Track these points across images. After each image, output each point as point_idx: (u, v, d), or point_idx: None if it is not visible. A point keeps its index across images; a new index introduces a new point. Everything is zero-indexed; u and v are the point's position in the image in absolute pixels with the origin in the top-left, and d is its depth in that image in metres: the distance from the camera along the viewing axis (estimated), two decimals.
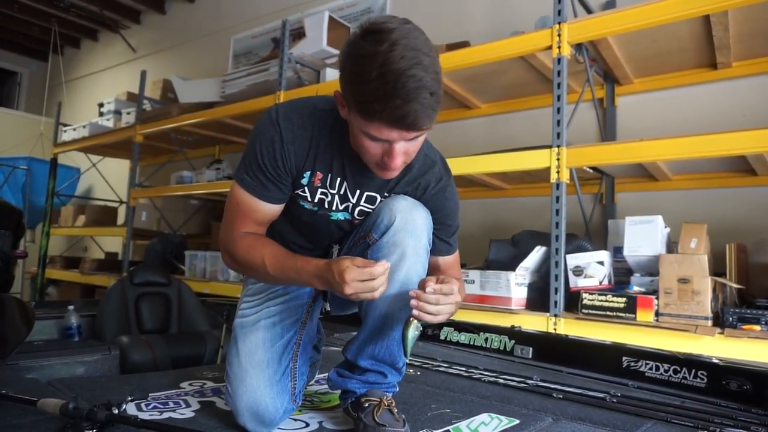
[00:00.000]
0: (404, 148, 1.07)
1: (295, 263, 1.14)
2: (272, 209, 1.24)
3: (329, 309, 1.45)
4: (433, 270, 1.32)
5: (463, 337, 2.08)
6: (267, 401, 1.20)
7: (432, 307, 1.07)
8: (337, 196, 1.24)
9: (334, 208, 1.26)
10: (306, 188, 1.23)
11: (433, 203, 1.26)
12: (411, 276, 1.18)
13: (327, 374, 1.33)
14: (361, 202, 1.25)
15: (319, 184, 1.23)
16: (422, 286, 1.08)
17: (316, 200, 1.25)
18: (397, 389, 1.28)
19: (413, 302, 1.07)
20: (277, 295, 1.34)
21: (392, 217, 1.18)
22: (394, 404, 1.20)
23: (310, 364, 1.41)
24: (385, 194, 1.26)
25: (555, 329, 2.05)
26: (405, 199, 1.21)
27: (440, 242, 1.31)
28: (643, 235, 2.04)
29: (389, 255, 1.17)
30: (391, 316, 1.19)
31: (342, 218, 1.28)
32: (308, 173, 1.21)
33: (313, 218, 1.28)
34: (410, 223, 1.18)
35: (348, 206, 1.26)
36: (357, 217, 1.27)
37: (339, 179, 1.22)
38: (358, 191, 1.24)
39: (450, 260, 1.37)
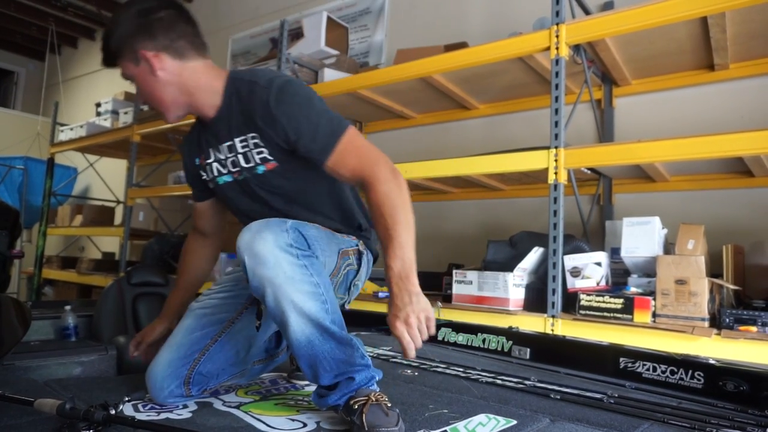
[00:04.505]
0: (136, 87, 1.36)
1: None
2: (201, 206, 1.58)
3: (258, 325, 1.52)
4: (332, 177, 1.30)
5: (461, 338, 2.08)
6: (157, 378, 1.35)
7: (411, 343, 1.07)
8: (215, 163, 1.42)
9: (216, 173, 1.43)
10: (202, 170, 1.46)
11: (284, 117, 1.25)
12: (301, 300, 1.14)
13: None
14: (226, 154, 1.39)
15: (205, 162, 1.44)
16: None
17: (210, 176, 1.45)
18: (377, 377, 1.25)
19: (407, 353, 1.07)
20: (225, 289, 1.46)
21: (242, 259, 1.16)
22: (384, 397, 1.18)
23: (256, 363, 1.56)
24: (234, 136, 1.35)
25: (552, 330, 2.05)
26: (241, 238, 1.17)
27: (315, 151, 1.26)
28: (640, 237, 2.04)
29: (264, 300, 1.16)
30: (312, 341, 1.17)
31: (230, 180, 1.41)
32: (198, 159, 1.47)
33: (222, 192, 1.46)
34: (256, 257, 1.14)
35: (223, 163, 1.40)
36: (233, 169, 1.39)
37: (208, 148, 1.42)
38: (219, 146, 1.39)
39: (336, 159, 1.25)
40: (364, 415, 1.13)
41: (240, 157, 1.37)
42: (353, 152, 1.25)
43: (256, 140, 1.33)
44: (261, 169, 1.36)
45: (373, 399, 1.16)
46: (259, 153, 1.34)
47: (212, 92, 1.36)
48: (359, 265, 1.46)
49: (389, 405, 1.17)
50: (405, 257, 1.12)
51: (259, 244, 1.13)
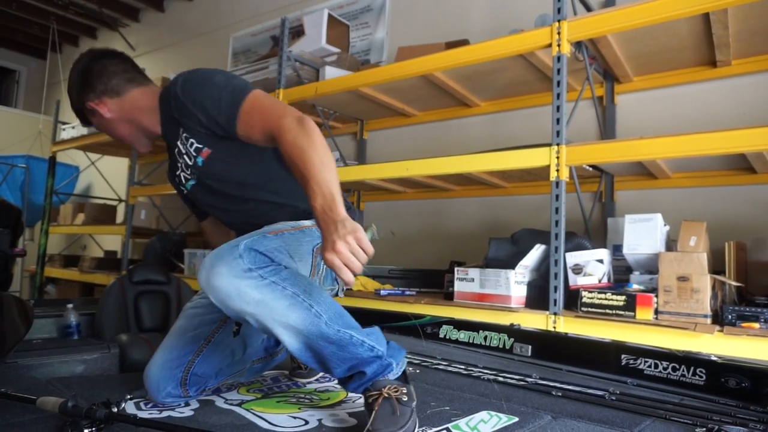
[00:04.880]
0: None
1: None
2: (205, 224, 1.71)
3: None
4: (243, 140, 1.32)
5: (463, 335, 2.08)
6: (152, 379, 1.38)
7: (343, 267, 1.03)
8: (181, 173, 1.50)
9: (185, 180, 1.50)
10: (181, 186, 1.54)
11: (190, 102, 1.33)
12: (283, 316, 1.12)
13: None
14: (180, 160, 1.46)
15: (178, 175, 1.52)
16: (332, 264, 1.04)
17: (184, 187, 1.52)
18: (395, 362, 1.21)
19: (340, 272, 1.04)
20: None
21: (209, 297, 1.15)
22: (399, 390, 1.15)
23: (253, 363, 1.57)
24: (176, 140, 1.43)
25: (554, 327, 2.05)
26: (199, 278, 1.15)
27: (224, 124, 1.30)
28: (642, 233, 2.04)
29: (250, 324, 1.16)
30: (311, 348, 1.16)
31: (194, 182, 1.49)
32: (176, 177, 1.54)
33: (195, 197, 1.53)
34: (218, 293, 1.11)
35: (183, 169, 1.48)
36: (188, 172, 1.47)
37: (175, 162, 1.50)
38: (175, 155, 1.47)
39: (243, 124, 1.29)
40: (373, 412, 1.12)
41: (186, 157, 1.43)
42: (257, 113, 1.27)
43: (185, 134, 1.40)
44: (200, 160, 1.40)
45: (386, 394, 1.14)
46: (191, 146, 1.39)
47: (152, 111, 1.45)
48: None
49: (404, 399, 1.14)
50: (324, 192, 1.09)
51: (216, 280, 1.10)
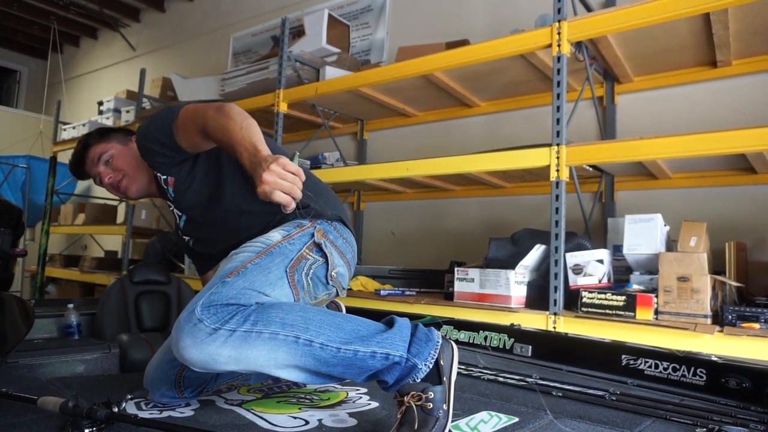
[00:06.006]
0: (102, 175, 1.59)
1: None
2: (206, 279, 1.70)
3: None
4: (191, 151, 1.41)
5: (463, 335, 2.08)
6: (149, 378, 1.41)
7: (273, 191, 1.07)
8: (174, 210, 1.60)
9: (178, 218, 1.59)
10: (182, 232, 1.63)
11: (143, 140, 1.44)
12: (270, 359, 1.05)
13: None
14: (167, 200, 1.57)
15: (176, 217, 1.61)
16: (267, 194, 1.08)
17: (181, 226, 1.61)
18: (420, 360, 1.11)
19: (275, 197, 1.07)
20: None
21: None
22: (424, 396, 1.08)
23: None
24: (163, 174, 1.49)
25: (554, 327, 2.05)
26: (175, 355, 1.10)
27: (170, 144, 1.38)
28: (642, 234, 2.04)
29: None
30: (316, 375, 1.12)
31: (185, 218, 1.56)
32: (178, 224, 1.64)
33: (188, 234, 1.61)
34: (195, 364, 1.06)
35: (172, 206, 1.58)
36: (175, 209, 1.58)
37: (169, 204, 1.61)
38: (167, 186, 1.51)
39: (180, 136, 1.36)
40: (395, 424, 1.09)
41: (167, 196, 1.54)
42: (189, 119, 1.33)
43: (156, 174, 1.51)
44: (171, 191, 1.50)
45: (407, 403, 1.08)
46: (161, 181, 1.50)
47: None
48: (325, 255, 1.32)
49: (429, 407, 1.07)
50: (248, 146, 1.15)
51: (185, 354, 1.04)
